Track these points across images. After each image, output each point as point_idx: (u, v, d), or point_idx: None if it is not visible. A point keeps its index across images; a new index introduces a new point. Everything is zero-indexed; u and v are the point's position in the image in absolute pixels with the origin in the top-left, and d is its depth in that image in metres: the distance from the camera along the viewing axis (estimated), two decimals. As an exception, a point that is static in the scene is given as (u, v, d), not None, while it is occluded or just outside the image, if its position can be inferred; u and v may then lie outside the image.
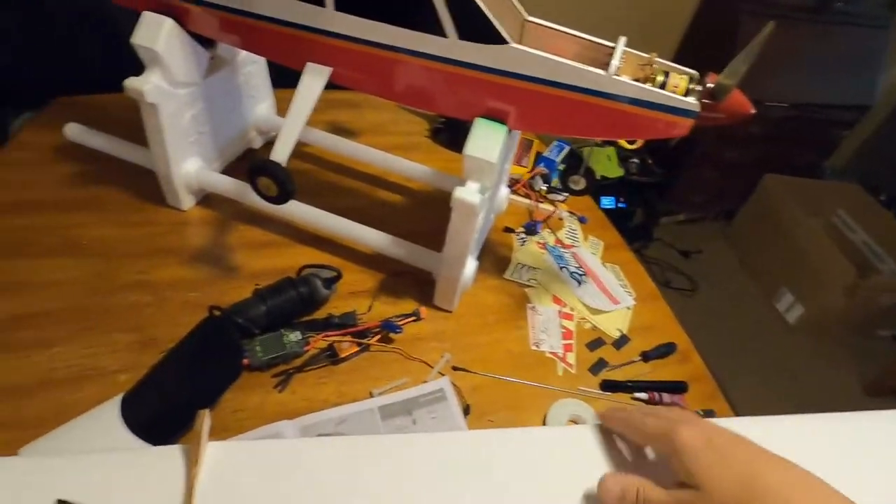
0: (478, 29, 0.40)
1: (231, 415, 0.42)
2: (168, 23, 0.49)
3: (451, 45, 0.41)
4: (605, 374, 0.52)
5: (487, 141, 0.44)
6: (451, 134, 0.81)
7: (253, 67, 0.65)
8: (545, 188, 0.74)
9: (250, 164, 0.44)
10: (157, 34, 0.48)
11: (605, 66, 0.41)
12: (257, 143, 0.71)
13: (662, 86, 0.40)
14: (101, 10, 0.92)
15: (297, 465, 0.31)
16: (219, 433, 0.41)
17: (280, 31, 0.46)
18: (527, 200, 0.72)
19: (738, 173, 1.78)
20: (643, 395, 0.50)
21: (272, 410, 0.44)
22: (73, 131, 0.63)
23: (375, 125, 0.82)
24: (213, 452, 0.31)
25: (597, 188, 1.60)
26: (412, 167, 0.68)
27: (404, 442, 0.36)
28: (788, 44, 1.59)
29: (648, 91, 0.39)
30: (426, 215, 0.67)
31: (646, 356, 0.55)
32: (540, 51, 0.40)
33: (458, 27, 0.41)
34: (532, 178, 0.74)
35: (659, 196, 1.86)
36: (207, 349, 0.42)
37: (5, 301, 0.47)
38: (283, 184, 0.44)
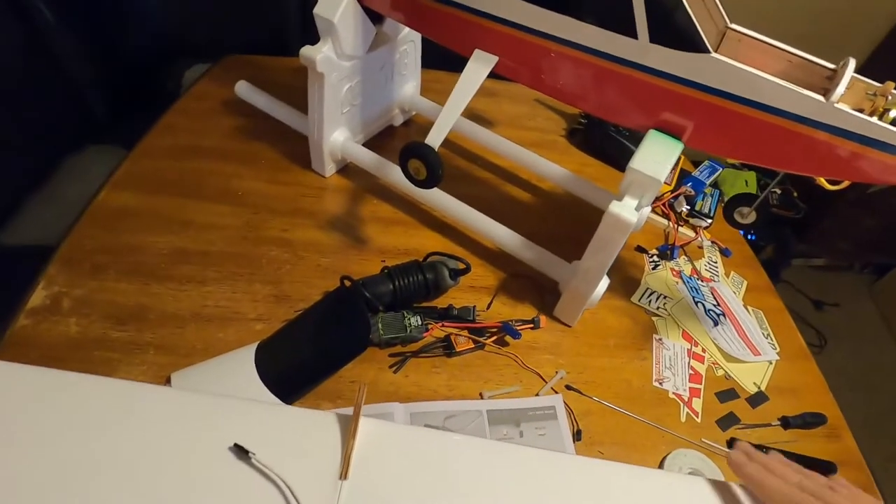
0: (676, 33, 0.36)
1: (348, 385, 0.44)
2: (348, -4, 0.50)
3: (641, 49, 0.38)
4: (735, 432, 0.47)
5: (658, 157, 0.40)
6: (589, 136, 0.77)
7: (409, 46, 0.66)
8: (686, 209, 0.68)
9: (405, 145, 0.45)
10: (336, 6, 0.50)
11: (820, 90, 0.35)
12: (398, 120, 0.72)
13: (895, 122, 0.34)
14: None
15: (439, 456, 0.31)
16: (334, 399, 0.43)
17: (455, 13, 0.45)
18: (664, 221, 0.66)
19: (906, 225, 1.52)
20: (779, 467, 0.44)
21: (384, 389, 0.44)
22: (242, 89, 0.68)
23: (511, 117, 0.80)
24: (366, 428, 0.31)
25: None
26: (547, 166, 0.65)
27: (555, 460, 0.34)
28: None
29: (883, 129, 0.33)
30: (555, 219, 0.64)
31: (786, 422, 0.48)
32: (744, 65, 0.35)
33: (651, 28, 0.37)
34: (675, 197, 0.68)
35: (796, 234, 1.65)
36: (338, 318, 0.44)
37: (174, 235, 0.52)
38: (433, 169, 0.44)
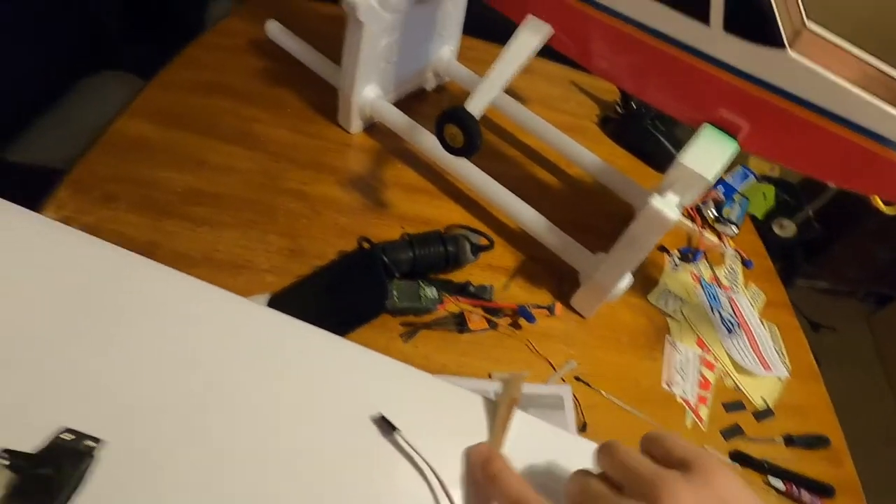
0: (753, 22, 0.34)
1: (356, 348, 0.43)
2: (400, -59, 0.47)
3: (712, 37, 0.36)
4: (738, 444, 0.46)
5: (711, 155, 0.38)
6: (623, 127, 0.75)
7: (452, 5, 0.63)
8: (713, 214, 0.66)
9: (444, 110, 0.42)
10: (387, -49, 0.47)
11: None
12: (430, 84, 0.69)
13: (972, 150, 0.32)
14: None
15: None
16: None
17: (514, -25, 0.43)
18: (689, 223, 0.64)
19: (917, 259, 1.51)
20: (779, 484, 0.44)
21: (393, 358, 0.43)
22: (273, 29, 0.65)
23: (544, 97, 0.77)
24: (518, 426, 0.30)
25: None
26: (579, 151, 0.62)
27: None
28: None
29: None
30: (580, 207, 0.63)
31: (789, 440, 0.47)
32: (823, 69, 0.33)
33: (728, 14, 0.35)
34: (704, 200, 0.66)
35: (805, 255, 1.63)
36: (355, 279, 0.43)
37: (189, 173, 0.50)
38: (471, 137, 0.42)
